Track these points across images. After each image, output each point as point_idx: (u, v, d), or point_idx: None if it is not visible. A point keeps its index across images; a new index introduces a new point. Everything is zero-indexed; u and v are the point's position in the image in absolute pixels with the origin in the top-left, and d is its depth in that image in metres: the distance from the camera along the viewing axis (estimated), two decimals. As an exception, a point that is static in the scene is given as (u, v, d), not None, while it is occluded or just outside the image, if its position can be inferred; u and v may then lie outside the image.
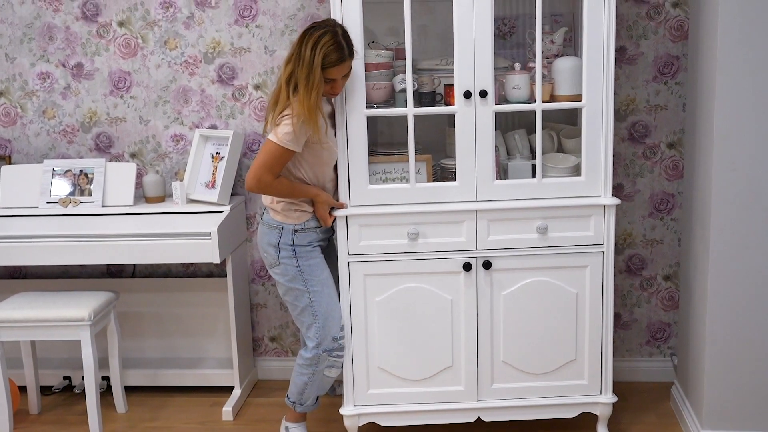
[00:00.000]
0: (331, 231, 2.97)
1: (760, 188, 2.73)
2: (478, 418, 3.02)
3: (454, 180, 2.91)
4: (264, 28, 3.53)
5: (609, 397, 3.01)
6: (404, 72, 2.85)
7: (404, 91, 2.87)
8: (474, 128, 2.82)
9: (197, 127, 3.62)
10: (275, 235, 2.87)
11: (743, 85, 2.68)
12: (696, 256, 2.99)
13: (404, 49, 2.84)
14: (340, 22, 2.74)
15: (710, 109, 2.76)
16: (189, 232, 3.22)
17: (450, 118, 2.95)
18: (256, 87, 3.58)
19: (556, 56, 2.99)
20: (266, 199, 2.92)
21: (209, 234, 3.20)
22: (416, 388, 2.99)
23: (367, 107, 2.83)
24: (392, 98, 2.95)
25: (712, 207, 2.77)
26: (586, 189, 2.87)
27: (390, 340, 2.96)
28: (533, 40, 3.01)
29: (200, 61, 3.58)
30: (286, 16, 3.51)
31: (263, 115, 3.60)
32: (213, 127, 3.62)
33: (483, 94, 2.78)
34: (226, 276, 3.61)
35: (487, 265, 2.88)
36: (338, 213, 2.87)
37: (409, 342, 2.96)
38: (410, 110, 2.83)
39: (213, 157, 3.52)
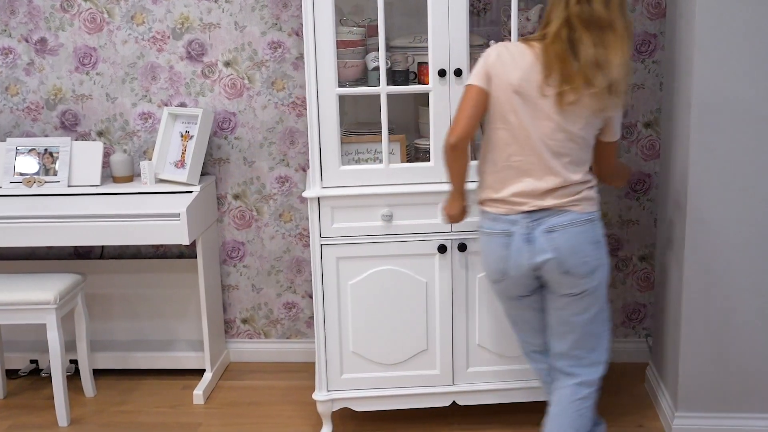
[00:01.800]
0: None
1: (737, 169, 2.69)
2: (453, 402, 2.97)
3: (428, 160, 2.83)
4: (234, 4, 3.42)
5: (584, 380, 2.97)
6: (377, 50, 2.76)
7: (377, 69, 2.78)
8: (449, 107, 2.74)
9: (166, 105, 3.51)
10: (598, 228, 2.34)
11: (721, 64, 2.62)
12: (672, 236, 2.95)
13: (376, 26, 2.75)
14: None
15: (688, 89, 2.70)
16: (158, 213, 3.12)
17: (423, 97, 2.87)
18: (227, 64, 3.47)
19: (531, 34, 2.90)
20: (580, 183, 2.32)
21: (178, 215, 3.11)
22: (391, 372, 2.94)
23: (339, 86, 2.74)
24: (364, 77, 2.87)
25: (689, 187, 2.72)
26: (562, 170, 2.80)
27: (364, 324, 2.90)
28: (508, 17, 2.92)
29: (168, 37, 3.46)
30: (257, -10, 3.40)
31: (232, 93, 3.50)
32: (182, 105, 3.51)
33: (458, 72, 2.70)
34: (196, 257, 3.51)
35: (462, 247, 2.82)
36: (309, 195, 2.79)
37: (383, 326, 2.90)
38: (383, 89, 2.74)
39: (182, 136, 3.42)
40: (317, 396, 2.95)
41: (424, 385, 2.95)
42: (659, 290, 3.19)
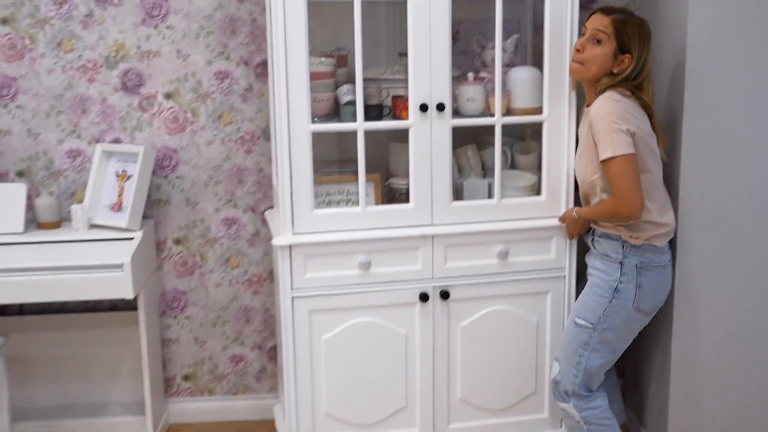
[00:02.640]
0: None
1: (727, 209, 2.62)
2: (435, 462, 2.78)
3: (405, 201, 2.66)
4: (176, 30, 3.15)
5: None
6: (347, 82, 2.57)
7: (350, 103, 2.59)
8: (430, 144, 2.58)
9: (98, 142, 3.19)
10: None
11: (712, 92, 2.55)
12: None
13: (345, 56, 2.56)
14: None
15: (678, 125, 2.63)
16: (97, 264, 2.80)
17: (395, 133, 2.70)
18: (167, 96, 3.19)
19: (507, 65, 2.79)
20: None
21: (121, 266, 2.80)
22: (367, 433, 2.72)
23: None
24: (334, 111, 2.67)
25: (679, 230, 2.63)
26: (546, 209, 2.69)
27: (338, 383, 2.67)
28: (482, 47, 2.81)
29: (101, 66, 3.15)
30: (201, 16, 3.15)
31: (174, 128, 3.22)
32: (116, 141, 3.20)
33: (440, 107, 2.54)
34: (131, 309, 3.21)
35: (444, 295, 2.65)
36: (279, 242, 2.55)
37: (359, 383, 2.68)
38: (360, 125, 2.55)
39: (118, 176, 3.11)
40: (287, 464, 2.70)
41: (403, 446, 2.75)
42: (648, 336, 3.06)
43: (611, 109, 2.38)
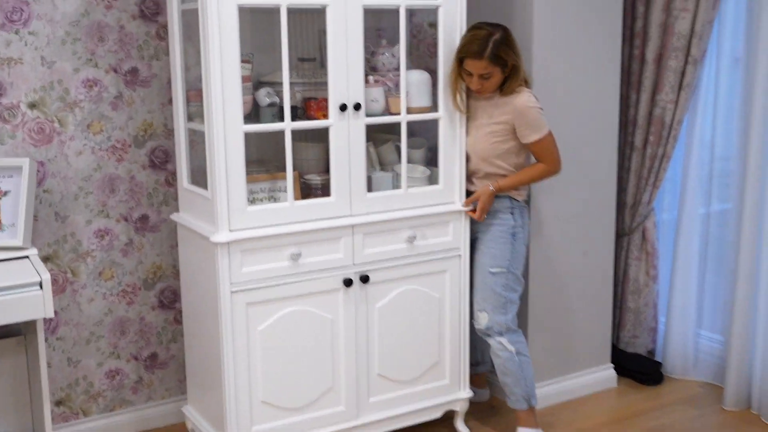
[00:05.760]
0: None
1: (576, 178, 3.52)
2: (362, 436, 3.19)
3: (321, 195, 3.04)
4: (39, 36, 3.21)
5: (467, 392, 3.41)
6: (266, 86, 2.92)
7: (271, 105, 2.92)
8: (348, 141, 2.99)
9: (-43, 156, 3.14)
10: None
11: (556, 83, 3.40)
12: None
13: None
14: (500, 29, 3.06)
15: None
16: (11, 285, 2.78)
17: (303, 133, 3.08)
18: (31, 105, 3.23)
19: (397, 69, 3.27)
20: None
21: (39, 284, 2.80)
22: (300, 416, 3.05)
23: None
24: (253, 113, 2.97)
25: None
26: (444, 196, 3.23)
27: (273, 370, 2.97)
28: (371, 53, 3.27)
29: (-42, 74, 3.12)
30: (67, 22, 3.24)
31: (40, 139, 3.27)
32: (-24, 154, 3.17)
33: (357, 107, 2.97)
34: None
35: (365, 279, 3.07)
36: (218, 239, 2.81)
37: (291, 369, 3.01)
38: (288, 125, 2.89)
39: (-8, 193, 3.10)
40: (229, 458, 2.94)
41: (331, 425, 3.12)
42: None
43: (534, 100, 3.12)
